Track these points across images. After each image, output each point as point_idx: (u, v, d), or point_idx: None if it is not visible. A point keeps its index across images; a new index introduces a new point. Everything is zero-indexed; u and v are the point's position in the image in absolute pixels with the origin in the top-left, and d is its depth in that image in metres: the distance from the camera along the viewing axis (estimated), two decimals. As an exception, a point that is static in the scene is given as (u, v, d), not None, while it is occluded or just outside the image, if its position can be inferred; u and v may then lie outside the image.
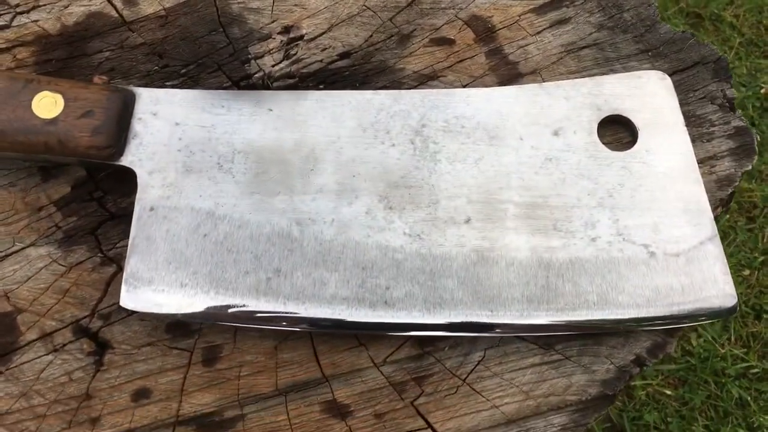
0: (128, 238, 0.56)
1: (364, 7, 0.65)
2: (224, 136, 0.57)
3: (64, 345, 0.53)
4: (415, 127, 0.58)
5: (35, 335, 0.53)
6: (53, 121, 0.54)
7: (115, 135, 0.55)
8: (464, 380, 0.53)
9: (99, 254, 0.56)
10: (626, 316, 0.53)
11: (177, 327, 0.54)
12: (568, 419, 0.52)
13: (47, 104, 0.54)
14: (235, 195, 0.55)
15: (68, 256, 0.56)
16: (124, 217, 0.57)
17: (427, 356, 0.54)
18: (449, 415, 0.52)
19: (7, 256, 0.55)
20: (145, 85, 0.61)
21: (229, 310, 0.52)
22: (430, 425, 0.52)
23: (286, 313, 0.52)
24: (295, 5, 0.65)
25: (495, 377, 0.53)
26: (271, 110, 0.58)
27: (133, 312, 0.53)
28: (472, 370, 0.54)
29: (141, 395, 0.52)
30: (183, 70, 0.62)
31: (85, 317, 0.54)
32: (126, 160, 0.55)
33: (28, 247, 0.56)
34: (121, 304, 0.52)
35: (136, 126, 0.56)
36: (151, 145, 0.56)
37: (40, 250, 0.56)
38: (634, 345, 0.54)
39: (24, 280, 0.55)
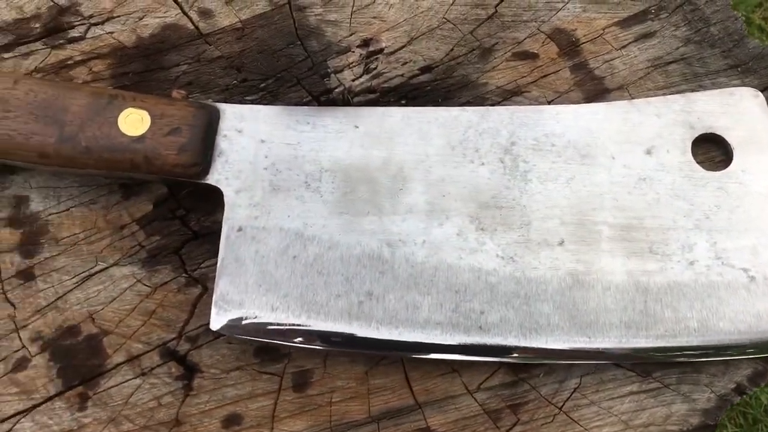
0: (213, 257, 0.55)
1: (444, 20, 0.63)
2: (310, 154, 0.55)
3: (152, 369, 0.52)
4: (504, 145, 0.57)
5: (122, 358, 0.52)
6: (140, 139, 0.53)
7: (202, 153, 0.54)
8: (561, 408, 0.52)
9: (184, 274, 0.55)
10: (728, 343, 0.52)
11: (266, 351, 0.53)
12: (670, 449, 0.51)
13: (133, 121, 0.53)
14: (323, 215, 0.54)
15: (152, 277, 0.54)
16: (208, 236, 0.56)
17: (521, 383, 0.53)
18: (547, 444, 0.51)
19: (90, 275, 0.54)
20: (225, 100, 0.60)
21: (321, 335, 0.51)
22: (528, 455, 0.51)
23: (380, 337, 0.51)
24: (374, 17, 0.63)
25: (592, 405, 0.52)
26: (357, 127, 0.57)
27: (221, 335, 0.52)
28: (569, 397, 0.52)
29: (232, 421, 0.51)
30: (262, 85, 0.60)
31: (172, 340, 0.53)
32: (212, 179, 0.54)
33: (111, 266, 0.55)
34: (212, 327, 0.51)
35: (222, 143, 0.55)
36: (237, 163, 0.55)
37: (124, 269, 0.54)
38: (734, 373, 0.53)
39: (108, 301, 0.53)
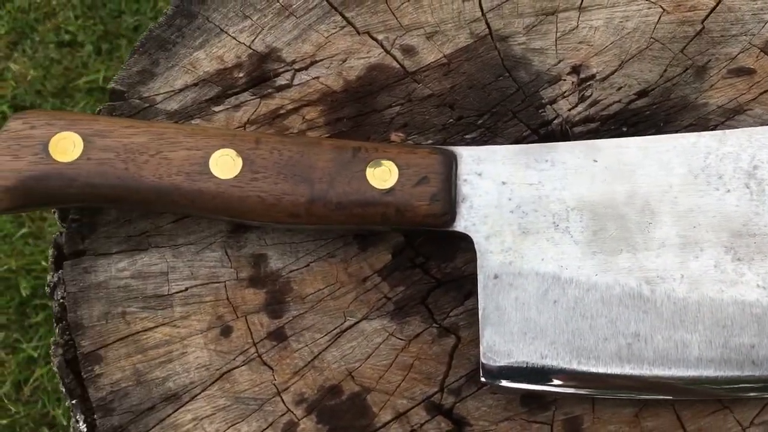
0: (460, 305, 0.54)
1: (651, 40, 0.61)
2: (554, 193, 0.54)
3: (422, 425, 0.51)
4: (746, 169, 0.55)
5: (389, 416, 0.51)
6: (390, 191, 0.51)
7: (449, 200, 0.52)
8: (842, 440, 0.50)
9: (434, 325, 0.54)
10: None
11: (532, 399, 0.52)
12: None
13: (381, 173, 0.52)
14: (577, 256, 0.53)
15: (404, 329, 0.53)
16: (451, 282, 0.55)
17: (795, 416, 0.51)
18: (836, 479, 0.50)
19: (342, 332, 0.53)
20: (445, 140, 0.59)
21: (594, 379, 0.50)
22: (819, 492, 0.49)
23: (654, 379, 0.50)
24: (580, 42, 0.61)
25: None
26: (595, 161, 0.55)
27: (484, 385, 0.51)
28: None
29: (512, 475, 0.50)
30: (479, 121, 0.59)
31: (435, 393, 0.52)
32: (460, 226, 0.53)
33: (360, 321, 0.54)
34: (483, 379, 0.50)
35: (463, 188, 0.54)
36: (482, 207, 0.53)
37: (374, 323, 0.54)
38: None
39: (365, 357, 0.53)
